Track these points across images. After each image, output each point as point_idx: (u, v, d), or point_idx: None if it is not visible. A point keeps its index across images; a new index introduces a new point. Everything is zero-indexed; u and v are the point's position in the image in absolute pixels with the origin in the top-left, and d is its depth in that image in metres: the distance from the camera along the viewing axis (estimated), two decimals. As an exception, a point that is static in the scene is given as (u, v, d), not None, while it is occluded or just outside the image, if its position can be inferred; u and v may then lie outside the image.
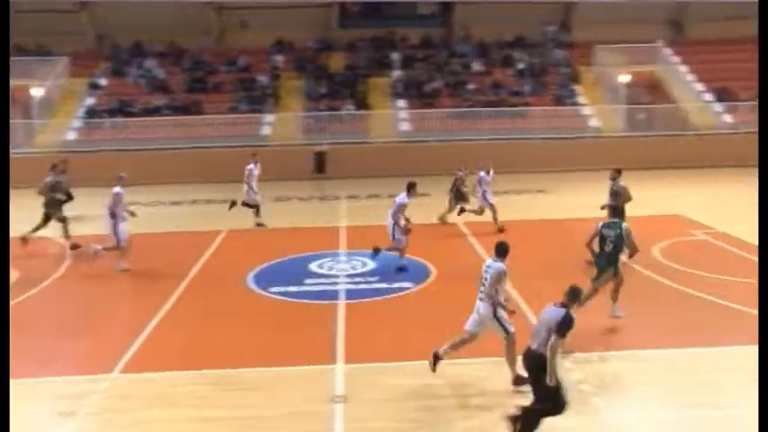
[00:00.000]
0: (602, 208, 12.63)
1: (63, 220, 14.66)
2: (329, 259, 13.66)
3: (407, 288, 11.75)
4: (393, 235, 12.83)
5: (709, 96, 27.59)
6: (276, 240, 15.72)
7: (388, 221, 12.95)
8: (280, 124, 25.57)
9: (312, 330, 9.94)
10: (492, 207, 15.98)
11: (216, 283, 12.33)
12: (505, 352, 7.83)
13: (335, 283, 12.08)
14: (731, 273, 12.19)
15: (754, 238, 14.16)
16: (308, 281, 12.25)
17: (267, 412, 7.46)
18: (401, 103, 26.99)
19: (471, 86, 27.46)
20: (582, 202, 19.45)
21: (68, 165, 16.65)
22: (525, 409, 6.53)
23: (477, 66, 29.00)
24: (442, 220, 16.82)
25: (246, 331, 9.96)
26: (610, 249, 9.78)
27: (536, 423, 6.47)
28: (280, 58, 29.35)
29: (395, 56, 29.60)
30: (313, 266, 13.19)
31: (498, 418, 7.16)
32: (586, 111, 26.61)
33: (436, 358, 7.98)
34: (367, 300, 11.24)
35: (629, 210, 12.86)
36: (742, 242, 14.27)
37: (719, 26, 30.58)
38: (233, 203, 16.91)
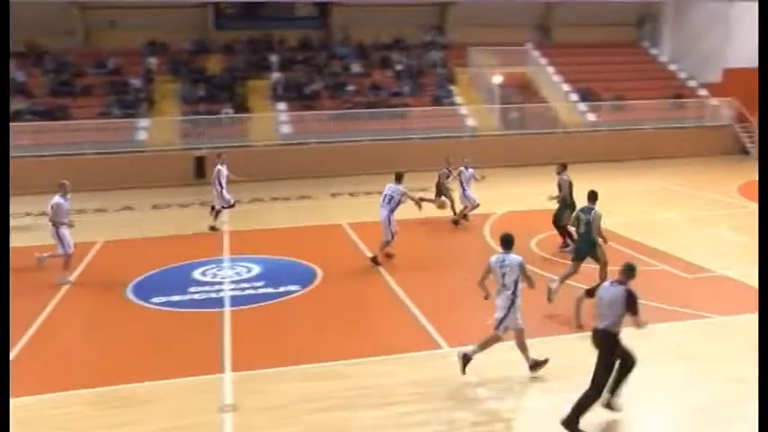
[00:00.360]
0: (551, 199, 13.79)
1: None
2: (213, 266, 13.33)
3: (294, 292, 11.68)
4: (389, 227, 12.99)
5: (574, 96, 29.24)
6: (157, 249, 15.15)
7: (383, 215, 13.02)
8: (156, 129, 24.63)
9: (197, 340, 9.68)
10: (470, 202, 16.46)
11: (92, 297, 11.73)
12: (517, 342, 8.09)
13: (220, 291, 11.81)
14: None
15: (619, 229, 15.18)
16: (191, 289, 11.89)
17: (152, 427, 7.20)
18: (281, 105, 26.74)
19: (351, 88, 27.65)
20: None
21: None
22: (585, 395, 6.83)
23: (356, 67, 29.23)
24: (462, 215, 16.67)
25: (128, 345, 9.55)
26: (583, 231, 10.52)
27: (587, 407, 6.77)
28: (153, 60, 28.27)
29: (273, 58, 29.29)
30: (196, 274, 12.82)
31: (391, 415, 7.29)
32: (463, 111, 27.46)
33: (466, 360, 8.04)
34: (253, 305, 11.07)
35: (511, 205, 13.48)
36: (609, 232, 15.18)
37: (582, 31, 32.53)
38: (214, 210, 16.63)
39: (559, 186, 13.75)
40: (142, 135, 24.36)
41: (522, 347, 8.12)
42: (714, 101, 29.05)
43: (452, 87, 28.77)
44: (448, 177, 16.91)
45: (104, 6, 28.13)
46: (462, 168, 16.64)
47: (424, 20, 31.94)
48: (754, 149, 27.91)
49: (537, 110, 27.86)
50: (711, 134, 28.46)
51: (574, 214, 11.23)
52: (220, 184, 16.39)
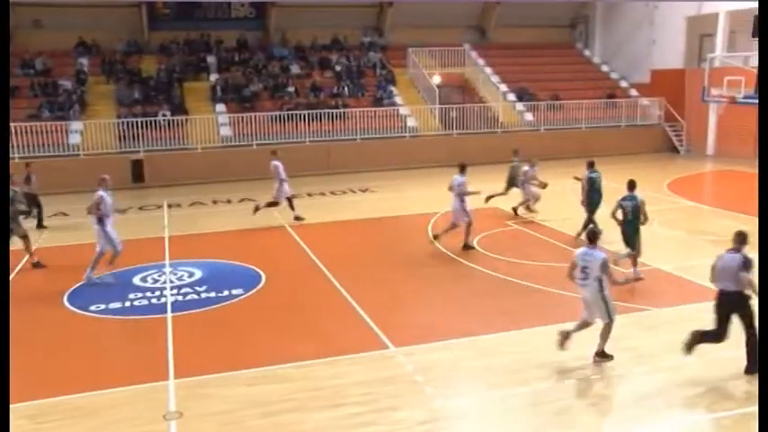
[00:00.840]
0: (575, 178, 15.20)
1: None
2: (154, 271, 13.04)
3: (238, 295, 11.54)
4: (464, 215, 13.85)
5: (512, 96, 29.79)
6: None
7: (455, 205, 13.92)
8: (90, 132, 23.89)
9: (139, 347, 9.47)
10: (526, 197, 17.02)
11: (27, 306, 11.29)
12: (602, 330, 8.41)
13: (161, 296, 11.56)
14: (540, 258, 13.29)
15: (557, 225, 15.56)
16: (131, 295, 11.61)
17: (94, 439, 7.01)
18: (220, 107, 26.35)
19: (291, 89, 27.46)
20: (406, 197, 20.28)
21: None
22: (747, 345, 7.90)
23: (295, 68, 29.06)
24: (529, 210, 17.05)
25: (67, 355, 9.26)
26: (631, 218, 11.60)
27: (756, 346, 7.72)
28: (85, 61, 27.45)
29: (211, 59, 28.84)
30: (136, 280, 12.52)
31: (340, 416, 7.28)
32: (404, 111, 27.63)
33: (565, 336, 8.47)
34: (196, 310, 10.88)
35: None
36: (548, 229, 15.61)
37: (518, 32, 33.23)
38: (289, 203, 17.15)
39: (590, 182, 14.38)
40: (76, 138, 23.60)
41: (604, 336, 8.44)
42: (644, 101, 30.07)
43: (392, 88, 28.90)
44: (533, 168, 17.11)
45: (28, 4, 27.02)
46: (527, 168, 17.06)
47: (362, 21, 32.01)
48: (682, 148, 29.06)
49: (476, 110, 28.26)
50: (642, 133, 29.46)
51: (615, 205, 11.85)
52: (281, 180, 16.82)
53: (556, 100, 29.29)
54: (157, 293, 11.71)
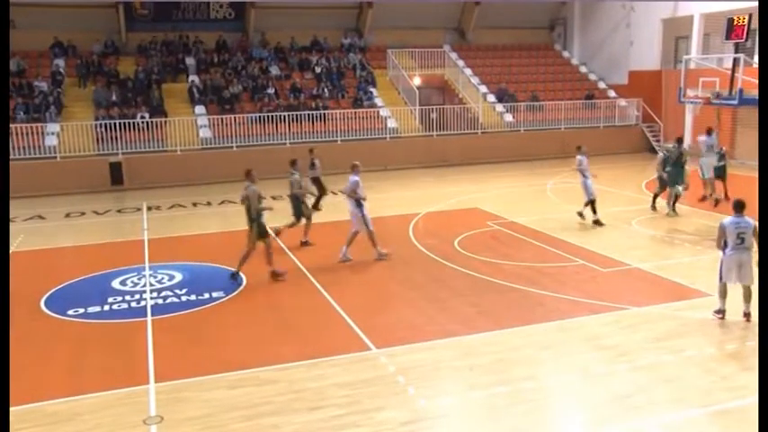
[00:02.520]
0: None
1: None
2: (133, 275, 12.91)
3: (219, 298, 11.47)
4: (361, 223, 13.46)
5: (492, 97, 29.93)
6: (72, 259, 14.57)
7: (351, 209, 13.58)
8: (67, 134, 23.63)
9: (119, 351, 9.36)
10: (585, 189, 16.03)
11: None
12: (746, 294, 9.46)
13: (141, 300, 11.46)
14: (520, 258, 13.37)
15: (538, 226, 15.65)
16: (111, 299, 11.49)
17: (73, 445, 6.93)
18: (200, 108, 26.18)
19: (271, 91, 27.35)
20: (387, 198, 20.27)
21: None
22: None
23: (275, 70, 28.96)
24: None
25: (45, 360, 9.13)
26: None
27: None
28: (61, 63, 27.14)
29: (190, 60, 28.65)
30: (115, 284, 12.39)
31: (322, 418, 7.26)
32: (384, 112, 27.65)
33: (721, 313, 9.60)
34: (176, 314, 10.79)
35: (434, 205, 13.65)
36: (528, 229, 15.69)
37: (497, 34, 33.47)
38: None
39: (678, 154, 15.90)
40: (52, 140, 23.33)
41: (748, 298, 9.48)
42: (622, 101, 30.37)
43: (372, 89, 28.91)
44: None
45: (0, 4, 26.69)
46: (580, 157, 16.10)
47: (341, 22, 31.99)
48: (660, 148, 29.37)
49: (456, 111, 28.36)
50: (621, 133, 29.74)
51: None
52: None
53: (535, 101, 29.48)
54: (137, 297, 11.60)
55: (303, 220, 15.03)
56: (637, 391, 7.72)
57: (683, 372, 8.18)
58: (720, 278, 9.60)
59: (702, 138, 17.67)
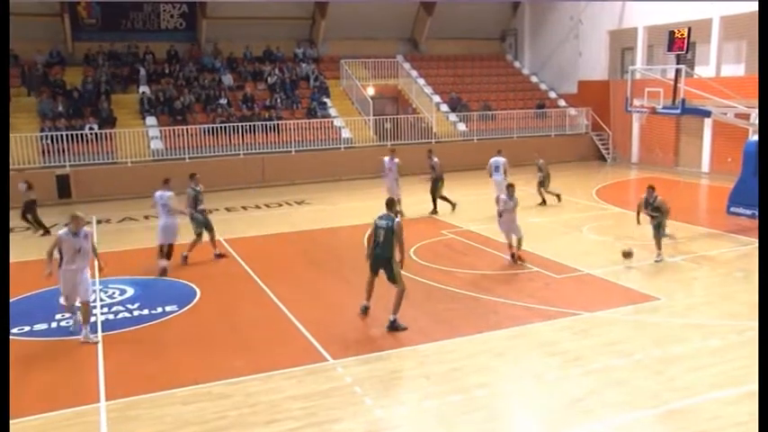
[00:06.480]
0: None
1: None
2: (81, 290, 12.58)
3: (172, 312, 11.28)
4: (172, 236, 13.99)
5: (445, 107, 30.22)
6: (16, 275, 14.12)
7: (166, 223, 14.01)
8: (12, 146, 22.98)
9: (67, 370, 9.12)
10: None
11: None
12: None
13: (91, 316, 11.16)
14: (475, 266, 13.51)
15: (492, 234, 15.83)
16: (58, 316, 11.17)
17: (19, 467, 6.72)
18: (151, 120, 25.75)
19: (223, 101, 27.10)
20: (340, 209, 20.27)
21: None
22: None
23: (228, 80, 28.70)
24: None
25: (-13, 381, 8.83)
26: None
27: None
28: (5, 73, 26.44)
29: (140, 71, 28.18)
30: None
31: (275, 432, 7.20)
32: (338, 122, 27.65)
33: None
34: (128, 329, 10.58)
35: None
36: (482, 237, 15.87)
37: (449, 44, 33.85)
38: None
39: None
40: (-4, 153, 22.63)
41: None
42: (572, 111, 31.00)
43: (326, 100, 28.90)
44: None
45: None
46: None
47: (294, 33, 31.92)
48: (609, 156, 30.09)
49: (410, 120, 28.53)
50: (571, 142, 30.34)
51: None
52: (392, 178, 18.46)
53: (488, 110, 29.87)
54: (86, 313, 11.31)
55: (205, 235, 14.74)
56: (589, 395, 7.86)
57: (633, 374, 8.37)
58: None
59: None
